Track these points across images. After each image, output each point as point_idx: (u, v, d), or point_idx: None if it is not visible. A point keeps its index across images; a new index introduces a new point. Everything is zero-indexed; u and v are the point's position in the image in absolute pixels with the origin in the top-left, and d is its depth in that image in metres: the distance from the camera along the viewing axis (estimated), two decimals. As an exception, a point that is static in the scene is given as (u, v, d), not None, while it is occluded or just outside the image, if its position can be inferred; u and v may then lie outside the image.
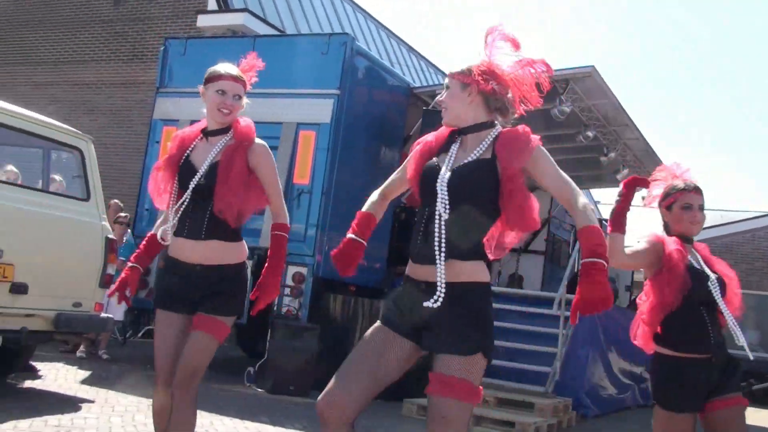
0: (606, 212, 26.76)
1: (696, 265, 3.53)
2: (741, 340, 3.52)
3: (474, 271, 2.71)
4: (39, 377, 7.19)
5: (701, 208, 3.60)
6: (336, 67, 8.76)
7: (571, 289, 9.37)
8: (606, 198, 28.60)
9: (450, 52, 62.17)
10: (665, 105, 64.02)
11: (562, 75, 9.95)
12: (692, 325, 3.47)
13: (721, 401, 3.47)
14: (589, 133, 11.10)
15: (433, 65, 21.64)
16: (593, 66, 9.77)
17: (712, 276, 3.52)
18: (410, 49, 20.68)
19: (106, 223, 6.75)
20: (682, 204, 3.58)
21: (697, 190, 3.60)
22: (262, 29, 13.21)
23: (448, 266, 2.68)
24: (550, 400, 8.09)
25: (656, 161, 12.79)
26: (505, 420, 7.45)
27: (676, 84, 66.73)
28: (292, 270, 8.40)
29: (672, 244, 3.52)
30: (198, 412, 6.34)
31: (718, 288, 3.49)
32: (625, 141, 11.95)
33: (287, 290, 8.35)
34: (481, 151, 2.81)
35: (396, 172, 3.27)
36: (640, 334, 3.54)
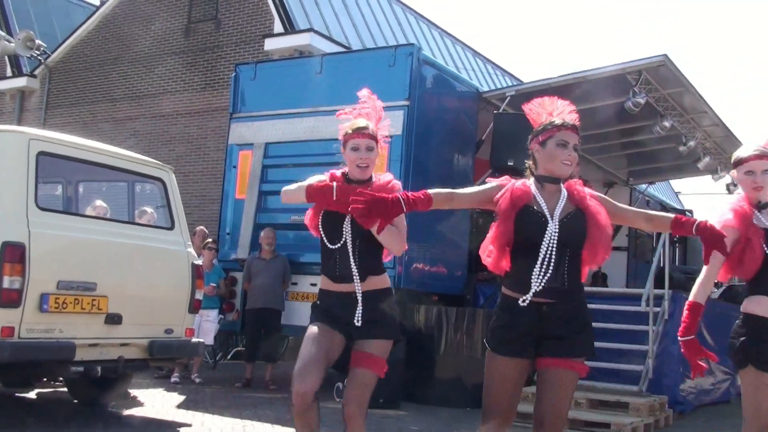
0: (687, 202, 26.12)
1: (537, 207, 3.34)
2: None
3: None
4: (138, 404, 7.42)
5: (576, 148, 3.41)
6: (404, 78, 8.80)
7: (658, 284, 9.19)
8: (686, 188, 27.88)
9: (515, 54, 61.65)
10: (745, 87, 61.98)
11: (634, 66, 9.77)
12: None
13: None
14: (666, 123, 10.83)
15: (500, 68, 21.52)
16: (666, 54, 9.55)
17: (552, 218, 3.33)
18: (476, 53, 20.62)
19: (192, 250, 6.93)
20: (557, 141, 3.40)
21: (574, 129, 3.42)
22: (328, 47, 13.38)
23: None
24: (645, 399, 7.89)
25: (738, 147, 12.41)
26: (599, 422, 7.31)
27: (754, 65, 64.54)
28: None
29: (511, 187, 3.40)
30: (291, 429, 6.46)
31: (555, 232, 3.28)
32: (704, 128, 11.62)
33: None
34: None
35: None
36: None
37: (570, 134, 3.40)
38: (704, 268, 3.64)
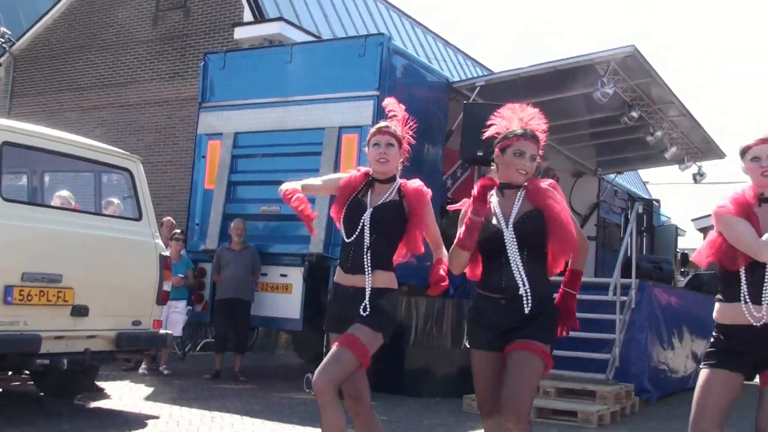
0: (655, 192, 26.41)
1: (495, 219, 3.53)
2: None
3: None
4: (105, 397, 7.36)
5: (532, 158, 3.54)
6: (374, 68, 8.77)
7: (625, 274, 9.28)
8: (654, 178, 28.17)
9: (486, 44, 61.78)
10: (711, 78, 62.73)
11: (603, 57, 9.83)
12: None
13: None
14: (634, 114, 10.92)
15: (471, 58, 21.55)
16: (634, 46, 9.61)
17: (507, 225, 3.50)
18: (447, 43, 20.62)
19: (160, 241, 6.88)
20: (515, 150, 3.53)
21: (533, 139, 3.55)
22: (298, 37, 13.30)
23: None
24: (611, 387, 7.99)
25: (705, 137, 12.55)
26: (566, 410, 7.39)
27: (710, 41, 65.33)
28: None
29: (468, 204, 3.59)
30: (260, 420, 6.46)
31: (511, 237, 3.47)
32: (671, 119, 11.74)
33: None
34: None
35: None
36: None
37: (528, 144, 3.53)
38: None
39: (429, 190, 3.98)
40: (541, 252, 3.51)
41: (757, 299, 3.36)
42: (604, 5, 66.19)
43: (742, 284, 3.39)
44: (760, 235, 3.34)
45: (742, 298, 3.39)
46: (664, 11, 65.49)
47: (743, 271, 3.39)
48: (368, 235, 3.77)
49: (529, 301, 3.46)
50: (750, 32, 63.43)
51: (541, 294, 3.51)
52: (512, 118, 3.62)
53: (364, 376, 3.77)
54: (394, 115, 3.99)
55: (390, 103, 4.06)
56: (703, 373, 3.49)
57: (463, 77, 17.40)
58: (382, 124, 3.94)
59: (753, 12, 60.63)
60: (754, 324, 3.35)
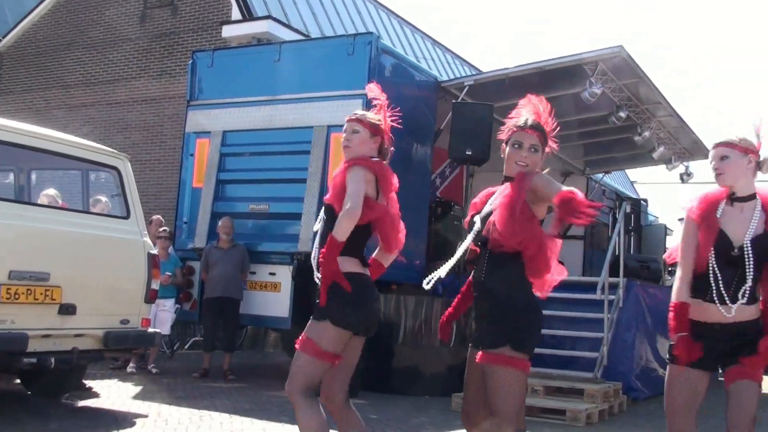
0: (642, 191, 26.52)
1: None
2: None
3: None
4: (93, 396, 7.33)
5: (533, 149, 3.42)
6: (362, 67, 8.76)
7: (613, 273, 9.32)
8: (642, 178, 28.30)
9: (474, 43, 61.86)
10: (708, 78, 63.07)
11: (591, 57, 9.87)
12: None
13: None
14: (622, 114, 10.98)
15: (459, 57, 21.58)
16: (621, 46, 9.66)
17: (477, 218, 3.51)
18: (435, 42, 20.64)
19: (148, 240, 6.86)
20: (513, 141, 3.47)
21: (534, 128, 3.43)
22: (286, 35, 13.28)
23: None
24: (599, 386, 8.03)
25: (692, 137, 12.62)
26: (555, 408, 7.41)
27: (703, 43, 65.64)
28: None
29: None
30: (249, 419, 6.45)
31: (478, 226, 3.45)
32: (658, 119, 11.81)
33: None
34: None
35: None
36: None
37: (527, 135, 3.43)
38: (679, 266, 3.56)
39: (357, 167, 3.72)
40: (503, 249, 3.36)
41: (724, 299, 3.42)
42: (601, 5, 66.46)
43: (711, 284, 3.44)
44: (706, 248, 3.43)
45: (711, 298, 3.44)
46: (660, 12, 65.83)
47: (711, 270, 3.44)
48: (320, 223, 3.82)
49: (495, 302, 3.38)
50: (745, 33, 63.89)
51: (503, 294, 3.37)
52: (523, 111, 3.53)
53: (343, 376, 3.73)
54: (378, 103, 3.94)
55: (370, 89, 4.03)
56: (669, 369, 3.56)
57: (452, 77, 17.41)
58: (353, 113, 3.92)
59: (748, 13, 61.08)
60: (723, 323, 3.42)
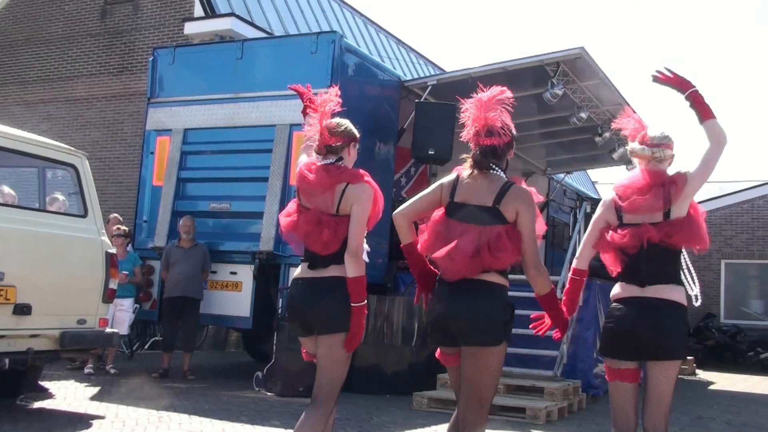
0: (603, 192, 26.82)
1: None
2: None
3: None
4: (49, 397, 7.21)
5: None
6: (326, 65, 8.75)
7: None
8: (603, 178, 28.65)
9: (439, 43, 62.04)
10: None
11: (552, 58, 9.96)
12: None
13: None
14: (583, 114, 11.10)
15: (423, 57, 21.61)
16: (583, 47, 9.76)
17: None
18: (399, 42, 20.65)
19: (106, 238, 6.76)
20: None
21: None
22: (249, 33, 13.18)
23: None
24: (559, 384, 8.10)
25: (651, 138, 12.79)
26: (515, 406, 7.46)
27: (667, 56, 66.57)
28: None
29: None
30: (209, 419, 6.39)
31: None
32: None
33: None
34: None
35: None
36: None
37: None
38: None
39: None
40: None
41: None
42: (554, 6, 67.04)
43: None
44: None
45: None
46: (612, 13, 66.58)
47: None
48: None
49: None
50: (703, 40, 64.94)
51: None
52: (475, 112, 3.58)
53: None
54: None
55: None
56: (605, 366, 3.76)
57: (416, 76, 17.44)
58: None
59: (702, 22, 62.12)
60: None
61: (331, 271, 3.65)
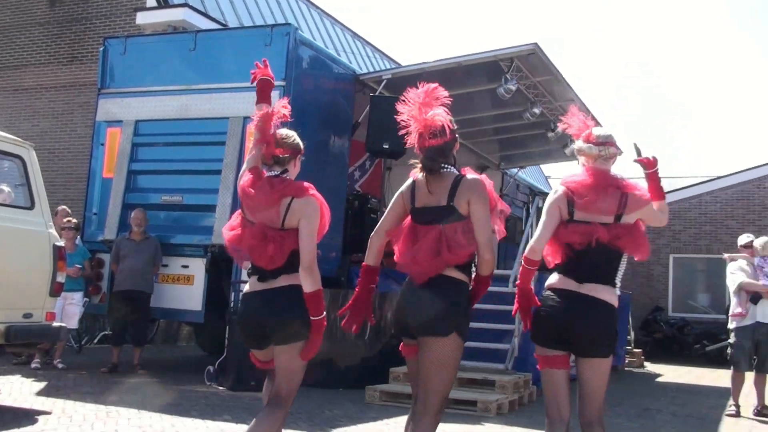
0: (556, 186, 27.19)
1: None
2: None
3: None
4: (-6, 391, 7.06)
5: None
6: (280, 58, 8.68)
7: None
8: (556, 173, 28.98)
9: (395, 37, 62.10)
10: (610, 77, 64.96)
11: (506, 54, 10.02)
12: None
13: None
14: (536, 110, 11.20)
15: (379, 50, 21.61)
16: (536, 43, 9.84)
17: None
18: (355, 35, 20.61)
19: (53, 231, 6.64)
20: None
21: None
22: (203, 24, 13.03)
23: None
24: (510, 377, 8.19)
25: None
26: (466, 399, 7.52)
27: (617, 54, 67.55)
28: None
29: None
30: (158, 414, 6.32)
31: None
32: (571, 116, 12.08)
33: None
34: None
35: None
36: None
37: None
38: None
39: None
40: None
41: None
42: (511, 3, 67.52)
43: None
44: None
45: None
46: (565, 11, 67.32)
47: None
48: None
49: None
50: (651, 46, 66.01)
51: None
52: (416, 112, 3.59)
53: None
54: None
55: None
56: (536, 355, 3.84)
57: (372, 69, 17.43)
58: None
59: (660, 25, 63.12)
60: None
61: (282, 281, 3.65)
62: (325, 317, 3.64)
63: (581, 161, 3.90)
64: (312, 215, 3.62)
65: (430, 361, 3.49)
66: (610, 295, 3.71)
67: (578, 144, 3.88)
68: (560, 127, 4.19)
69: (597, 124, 12.51)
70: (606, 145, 3.81)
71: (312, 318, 3.58)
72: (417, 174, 3.65)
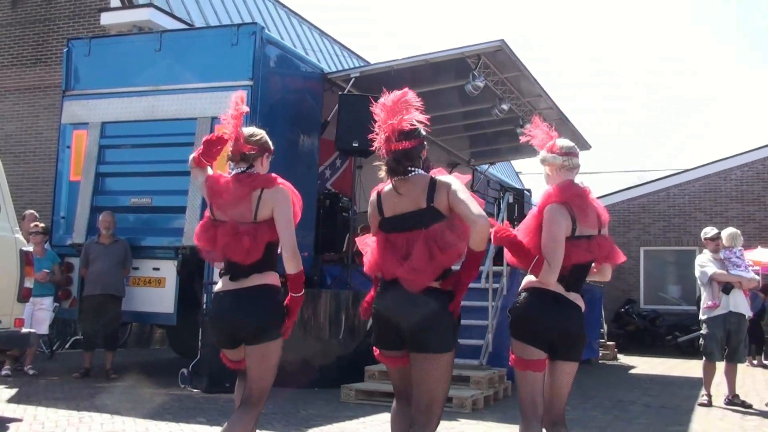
0: (527, 182, 27.32)
1: None
2: None
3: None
4: (-37, 400, 6.95)
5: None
6: (247, 57, 8.64)
7: (497, 261, 9.55)
8: (526, 168, 29.16)
9: (362, 34, 62.06)
10: (578, 71, 65.44)
11: (473, 51, 10.06)
12: None
13: None
14: (504, 106, 11.26)
15: (347, 49, 21.57)
16: (503, 40, 9.89)
17: None
18: (323, 33, 20.55)
19: (20, 236, 6.55)
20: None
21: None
22: (169, 24, 12.92)
23: None
24: (484, 372, 8.22)
25: (572, 129, 13.07)
26: (442, 396, 7.52)
27: (584, 49, 68.09)
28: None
29: None
30: (131, 418, 6.26)
31: None
32: (539, 111, 12.17)
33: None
34: None
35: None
36: None
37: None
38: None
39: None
40: None
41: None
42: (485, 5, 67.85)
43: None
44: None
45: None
46: (534, 8, 67.70)
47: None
48: None
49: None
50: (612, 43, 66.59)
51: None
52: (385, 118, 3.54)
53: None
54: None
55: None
56: (512, 356, 3.85)
57: (340, 68, 17.40)
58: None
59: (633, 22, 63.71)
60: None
61: (254, 280, 3.66)
62: (303, 295, 3.73)
63: (546, 170, 3.93)
64: (284, 203, 3.65)
65: (436, 379, 3.46)
66: (581, 301, 3.80)
67: (543, 154, 3.92)
68: (522, 140, 4.20)
69: (564, 120, 12.64)
70: (569, 155, 3.86)
71: (292, 294, 3.68)
72: (382, 186, 3.61)
